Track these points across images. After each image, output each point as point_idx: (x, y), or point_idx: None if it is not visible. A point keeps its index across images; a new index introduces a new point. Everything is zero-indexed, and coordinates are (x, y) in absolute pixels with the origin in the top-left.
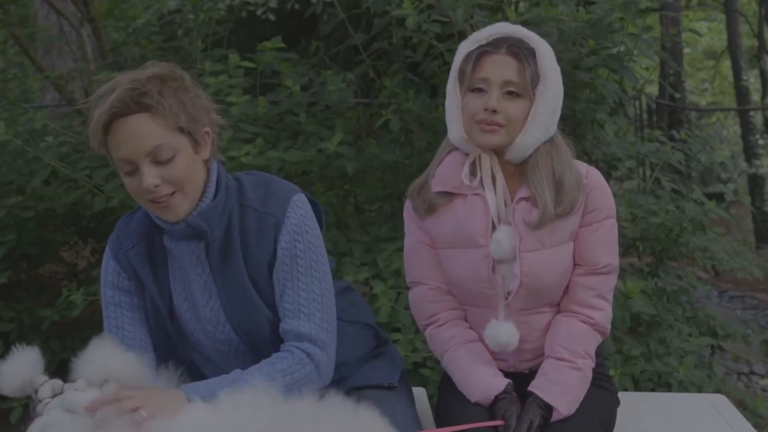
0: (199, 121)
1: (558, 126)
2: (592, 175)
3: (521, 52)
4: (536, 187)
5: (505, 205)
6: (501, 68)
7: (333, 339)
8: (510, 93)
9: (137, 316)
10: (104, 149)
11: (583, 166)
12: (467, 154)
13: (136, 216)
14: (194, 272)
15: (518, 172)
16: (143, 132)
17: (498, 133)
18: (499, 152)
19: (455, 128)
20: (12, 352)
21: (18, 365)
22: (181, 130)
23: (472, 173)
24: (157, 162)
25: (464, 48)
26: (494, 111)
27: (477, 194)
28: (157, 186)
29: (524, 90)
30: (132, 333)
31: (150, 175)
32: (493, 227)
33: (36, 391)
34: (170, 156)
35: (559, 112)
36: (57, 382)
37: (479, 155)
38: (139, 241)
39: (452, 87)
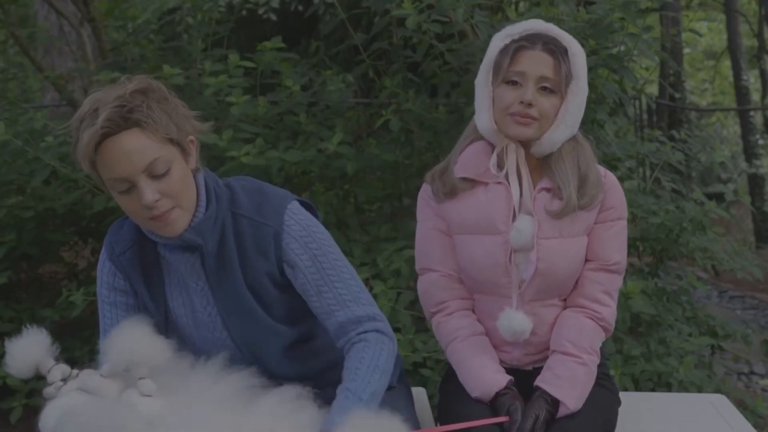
0: (183, 129)
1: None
2: (610, 176)
3: (557, 49)
4: (562, 178)
5: (522, 196)
6: (538, 64)
7: (379, 309)
8: (544, 89)
9: (132, 317)
10: (94, 171)
11: (600, 168)
12: (491, 144)
13: (128, 221)
14: (191, 279)
15: (540, 164)
16: (137, 148)
17: (531, 126)
18: (525, 145)
19: (485, 118)
20: (21, 334)
21: (27, 346)
22: (171, 141)
23: (499, 164)
24: (154, 176)
25: (498, 41)
26: (529, 104)
27: (499, 183)
28: (157, 201)
29: (558, 87)
30: None
31: (149, 191)
32: (513, 217)
33: (47, 373)
34: (166, 169)
35: (583, 110)
36: (65, 367)
37: (506, 146)
38: (131, 246)
39: (484, 78)
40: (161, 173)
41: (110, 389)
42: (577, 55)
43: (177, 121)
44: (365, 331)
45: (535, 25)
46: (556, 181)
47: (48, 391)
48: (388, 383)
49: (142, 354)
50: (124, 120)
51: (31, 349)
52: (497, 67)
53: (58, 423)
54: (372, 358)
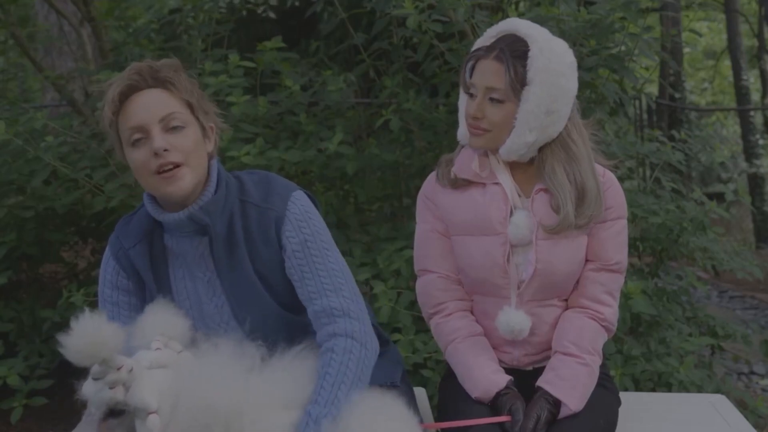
0: (203, 109)
1: (573, 128)
2: (609, 175)
3: (506, 55)
4: (560, 192)
5: (519, 196)
6: (485, 74)
7: (363, 309)
8: (492, 99)
9: (134, 316)
10: (114, 127)
11: (599, 168)
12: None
13: (136, 216)
14: (198, 269)
15: (531, 171)
16: (158, 101)
17: (482, 136)
18: (493, 151)
19: (462, 125)
20: (87, 317)
21: (107, 332)
22: (192, 108)
23: (482, 165)
24: (168, 130)
25: (472, 48)
26: (476, 117)
27: (496, 184)
28: (166, 150)
29: (506, 95)
30: (128, 333)
31: (160, 138)
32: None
33: (109, 359)
34: (181, 125)
35: (562, 113)
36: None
37: (484, 152)
38: (140, 240)
39: (462, 87)
40: (175, 127)
41: (176, 360)
42: (538, 57)
43: (200, 100)
44: (335, 334)
45: (509, 25)
46: (554, 188)
47: (118, 377)
48: (360, 388)
49: (176, 329)
50: (152, 78)
51: (112, 334)
52: (462, 77)
53: (178, 396)
54: (337, 374)
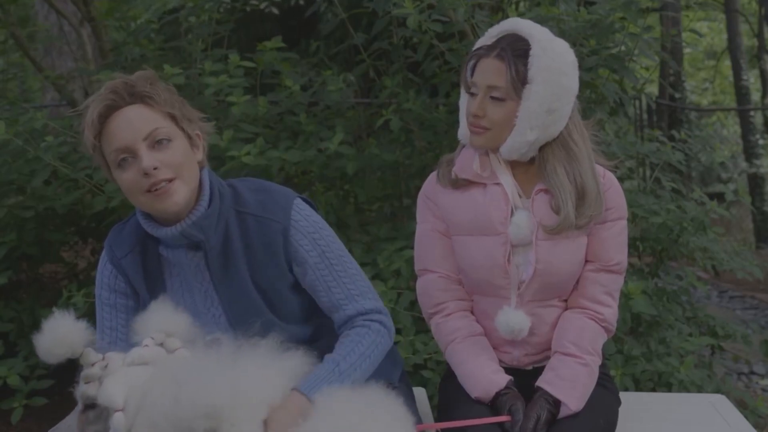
0: (187, 117)
1: (574, 128)
2: (609, 176)
3: (508, 54)
4: (560, 192)
5: (519, 196)
6: (487, 73)
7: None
8: (493, 97)
9: (132, 319)
10: (98, 150)
11: (599, 168)
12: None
13: (129, 224)
14: (195, 280)
15: (532, 171)
16: (139, 118)
17: (483, 135)
18: (494, 150)
19: (462, 125)
20: (53, 316)
21: (65, 328)
22: (175, 120)
23: (483, 165)
24: (155, 146)
25: (474, 47)
26: (476, 115)
27: (497, 184)
28: (156, 168)
29: (507, 94)
30: (125, 335)
31: (148, 157)
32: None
33: (81, 356)
34: (167, 140)
35: (563, 112)
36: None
37: (485, 151)
38: (131, 250)
39: (463, 86)
40: (162, 143)
41: (163, 358)
42: (539, 56)
43: (182, 109)
44: (370, 320)
45: (511, 25)
46: (554, 188)
47: (91, 372)
48: (369, 375)
49: (177, 326)
50: (129, 95)
51: (69, 331)
52: (464, 76)
53: (142, 394)
54: (368, 346)
